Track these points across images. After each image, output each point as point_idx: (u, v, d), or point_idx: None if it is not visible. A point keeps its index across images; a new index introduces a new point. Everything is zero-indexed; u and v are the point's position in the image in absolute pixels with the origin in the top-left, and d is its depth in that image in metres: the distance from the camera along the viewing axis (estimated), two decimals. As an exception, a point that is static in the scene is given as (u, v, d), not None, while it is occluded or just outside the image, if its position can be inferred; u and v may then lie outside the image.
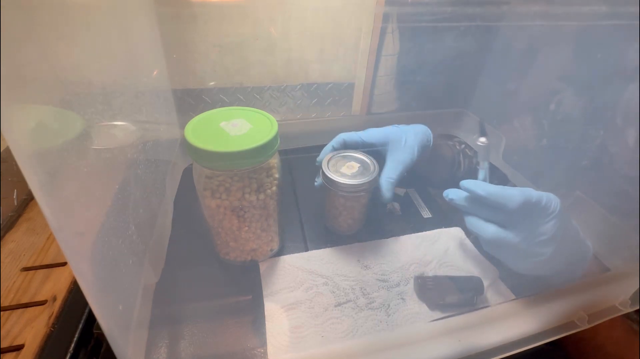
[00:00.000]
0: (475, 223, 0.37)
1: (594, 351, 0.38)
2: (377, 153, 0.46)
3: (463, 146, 0.55)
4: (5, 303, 0.37)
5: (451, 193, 0.39)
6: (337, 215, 0.46)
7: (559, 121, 0.50)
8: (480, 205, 0.36)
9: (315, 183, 0.46)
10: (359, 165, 0.44)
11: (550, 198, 0.34)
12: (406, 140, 0.46)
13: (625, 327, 0.39)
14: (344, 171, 0.43)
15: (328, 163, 0.43)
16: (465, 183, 0.37)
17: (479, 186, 0.36)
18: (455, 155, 0.54)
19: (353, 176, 0.42)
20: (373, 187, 0.43)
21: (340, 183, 0.41)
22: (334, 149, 0.47)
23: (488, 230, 0.35)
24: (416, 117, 0.61)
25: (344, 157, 0.45)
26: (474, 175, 0.50)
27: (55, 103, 0.25)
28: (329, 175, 0.41)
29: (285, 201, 0.49)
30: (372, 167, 0.43)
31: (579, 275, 0.38)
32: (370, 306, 0.38)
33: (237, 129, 0.35)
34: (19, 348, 0.33)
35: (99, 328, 0.24)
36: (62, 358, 0.33)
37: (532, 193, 0.34)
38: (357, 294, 0.39)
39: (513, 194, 0.33)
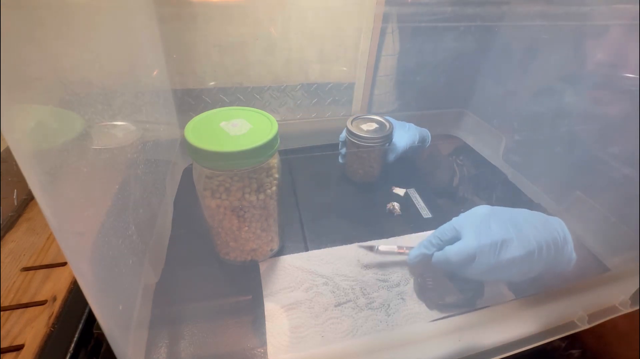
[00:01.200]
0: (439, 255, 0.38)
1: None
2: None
3: (461, 157, 0.60)
4: (5, 303, 0.37)
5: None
6: (354, 164, 0.55)
7: (558, 121, 0.50)
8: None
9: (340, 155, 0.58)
10: (376, 125, 0.53)
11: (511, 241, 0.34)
12: (409, 126, 0.57)
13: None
14: (364, 127, 0.53)
15: (352, 122, 0.53)
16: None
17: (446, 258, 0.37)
18: (453, 167, 0.58)
19: (369, 132, 0.52)
20: (385, 143, 0.53)
21: (359, 135, 0.51)
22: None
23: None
24: (416, 117, 0.61)
25: (366, 118, 0.55)
26: (468, 186, 0.55)
27: (55, 103, 0.25)
28: (351, 129, 0.52)
29: (285, 201, 0.49)
30: (387, 127, 0.53)
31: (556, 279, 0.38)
32: (370, 306, 0.38)
33: (237, 129, 0.35)
34: (19, 348, 0.33)
35: (99, 328, 0.24)
36: (62, 358, 0.33)
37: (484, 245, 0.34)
38: (357, 294, 0.39)
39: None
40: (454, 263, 0.36)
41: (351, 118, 0.54)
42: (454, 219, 0.38)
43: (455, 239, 0.37)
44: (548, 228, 0.35)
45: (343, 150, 0.57)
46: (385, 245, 0.44)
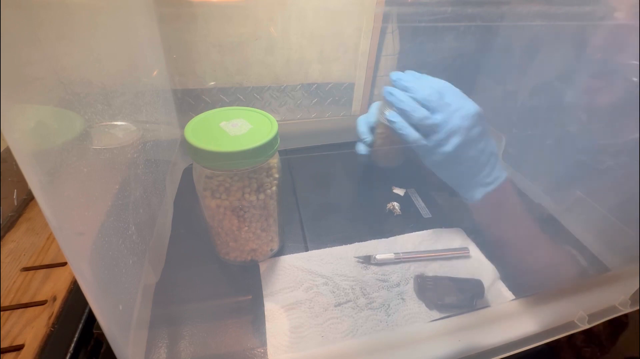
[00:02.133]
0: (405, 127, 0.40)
1: None
2: None
3: None
4: (5, 303, 0.37)
5: (390, 115, 0.42)
6: (377, 145, 0.49)
7: (559, 121, 0.50)
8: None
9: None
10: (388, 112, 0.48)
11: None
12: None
13: None
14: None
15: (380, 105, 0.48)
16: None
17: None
18: None
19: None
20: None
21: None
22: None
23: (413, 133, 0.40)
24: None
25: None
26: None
27: (55, 103, 0.25)
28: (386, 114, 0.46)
29: (285, 201, 0.49)
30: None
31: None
32: (370, 306, 0.38)
33: (237, 129, 0.35)
34: (19, 348, 0.33)
35: (99, 328, 0.24)
36: (62, 358, 0.33)
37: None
38: (357, 294, 0.39)
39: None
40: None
41: (380, 103, 0.49)
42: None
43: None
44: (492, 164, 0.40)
45: (368, 139, 0.50)
46: (381, 254, 0.43)
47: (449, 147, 0.38)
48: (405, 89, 0.41)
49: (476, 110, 0.39)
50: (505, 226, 0.43)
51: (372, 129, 0.50)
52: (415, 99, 0.40)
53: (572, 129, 0.48)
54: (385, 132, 0.48)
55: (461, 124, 0.38)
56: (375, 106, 0.50)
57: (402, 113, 0.40)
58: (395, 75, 0.42)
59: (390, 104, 0.45)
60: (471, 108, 0.39)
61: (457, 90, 0.41)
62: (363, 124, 0.49)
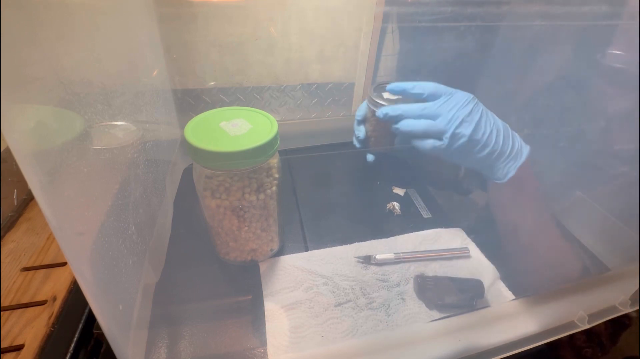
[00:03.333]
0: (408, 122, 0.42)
1: None
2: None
3: None
4: (5, 303, 0.37)
5: (384, 109, 0.44)
6: (378, 134, 0.52)
7: (559, 121, 0.50)
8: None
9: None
10: (398, 96, 0.49)
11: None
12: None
13: None
14: (385, 96, 0.49)
15: (374, 92, 0.50)
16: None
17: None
18: None
19: (389, 101, 0.48)
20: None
21: (377, 102, 0.48)
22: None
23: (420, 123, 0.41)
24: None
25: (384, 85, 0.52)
26: (474, 178, 0.51)
27: (55, 103, 0.25)
28: (371, 97, 0.49)
29: (285, 201, 0.49)
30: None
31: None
32: (370, 306, 0.38)
33: (237, 129, 0.35)
34: (19, 348, 0.33)
35: (99, 328, 0.24)
36: (62, 358, 0.33)
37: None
38: (357, 294, 0.39)
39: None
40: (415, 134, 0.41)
41: (371, 89, 0.51)
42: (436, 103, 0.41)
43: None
44: (511, 138, 0.40)
45: (361, 130, 0.53)
46: (381, 254, 0.43)
47: (463, 138, 0.39)
48: (399, 118, 0.42)
49: (469, 96, 0.40)
50: (526, 208, 0.42)
51: (363, 123, 0.52)
52: (414, 117, 0.42)
53: (572, 129, 0.48)
54: (375, 122, 0.51)
55: (463, 114, 0.39)
56: (364, 105, 0.52)
57: (409, 134, 0.42)
58: (382, 112, 0.44)
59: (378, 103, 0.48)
60: (463, 96, 0.40)
61: (443, 86, 0.42)
62: (355, 120, 0.53)
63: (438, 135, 0.40)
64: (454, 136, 0.39)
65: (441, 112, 0.40)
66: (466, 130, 0.39)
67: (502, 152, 0.39)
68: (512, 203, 0.43)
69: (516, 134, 0.41)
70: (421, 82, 0.43)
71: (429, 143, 0.41)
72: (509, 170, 0.40)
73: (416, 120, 0.41)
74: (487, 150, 0.39)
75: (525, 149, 0.40)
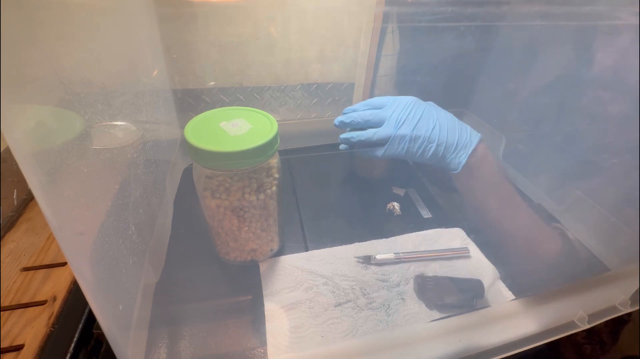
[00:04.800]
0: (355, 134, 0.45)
1: None
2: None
3: None
4: (5, 303, 0.37)
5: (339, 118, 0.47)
6: (363, 161, 0.55)
7: (558, 121, 0.50)
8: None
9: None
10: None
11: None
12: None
13: None
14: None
15: None
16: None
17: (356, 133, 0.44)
18: None
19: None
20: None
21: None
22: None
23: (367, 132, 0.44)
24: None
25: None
26: None
27: (55, 103, 0.25)
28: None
29: (285, 201, 0.49)
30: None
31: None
32: (370, 306, 0.38)
33: (237, 129, 0.35)
34: (19, 348, 0.33)
35: (99, 328, 0.24)
36: (62, 358, 0.33)
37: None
38: (357, 294, 0.39)
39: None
40: (367, 143, 0.43)
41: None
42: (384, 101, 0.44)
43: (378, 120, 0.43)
44: (458, 130, 0.42)
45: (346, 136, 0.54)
46: (381, 254, 0.43)
47: (405, 138, 0.41)
48: (352, 125, 0.45)
49: (410, 99, 0.43)
50: (488, 190, 0.44)
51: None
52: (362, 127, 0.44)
53: (572, 129, 0.48)
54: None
55: (403, 116, 0.42)
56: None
57: (360, 143, 0.44)
58: (337, 120, 0.47)
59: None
60: (404, 100, 0.43)
61: (387, 97, 0.45)
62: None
63: (385, 141, 0.42)
64: (397, 138, 0.41)
65: (385, 116, 0.42)
66: (406, 131, 0.41)
67: (449, 144, 0.41)
68: (475, 189, 0.44)
69: (466, 125, 0.43)
70: (369, 99, 0.46)
71: (379, 150, 0.43)
72: (460, 159, 0.42)
73: (363, 132, 0.43)
74: (433, 145, 0.41)
75: (476, 137, 0.42)
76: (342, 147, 0.53)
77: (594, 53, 0.43)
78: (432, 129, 0.41)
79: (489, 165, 0.43)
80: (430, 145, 0.41)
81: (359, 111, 0.45)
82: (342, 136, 0.46)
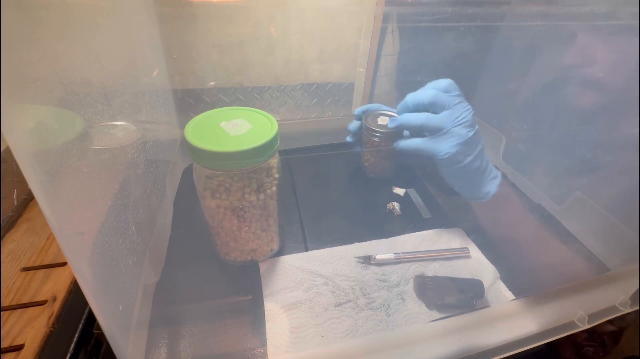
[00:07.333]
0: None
1: None
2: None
3: None
4: (5, 303, 0.37)
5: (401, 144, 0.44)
6: (371, 159, 0.55)
7: (558, 121, 0.50)
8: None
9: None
10: (389, 118, 0.50)
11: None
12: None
13: None
14: (379, 121, 0.51)
15: (367, 118, 0.51)
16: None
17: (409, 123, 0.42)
18: None
19: (381, 126, 0.50)
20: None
21: (371, 128, 0.49)
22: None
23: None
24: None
25: (379, 113, 0.53)
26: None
27: (55, 103, 0.25)
28: (369, 126, 0.50)
29: (285, 201, 0.49)
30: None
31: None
32: (370, 306, 0.38)
33: (237, 129, 0.35)
34: (19, 348, 0.33)
35: (99, 328, 0.24)
36: (62, 358, 0.33)
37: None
38: (357, 294, 0.39)
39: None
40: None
41: (365, 110, 0.53)
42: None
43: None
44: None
45: (350, 140, 0.55)
46: (381, 254, 0.43)
47: (466, 160, 0.39)
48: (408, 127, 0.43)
49: (469, 111, 0.41)
50: (511, 222, 0.43)
51: (355, 133, 0.54)
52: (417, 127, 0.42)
53: (572, 129, 0.48)
54: (375, 145, 0.52)
55: (466, 137, 0.39)
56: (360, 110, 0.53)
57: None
58: (393, 123, 0.44)
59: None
60: (464, 111, 0.40)
61: (442, 95, 0.42)
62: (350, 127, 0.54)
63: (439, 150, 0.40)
64: (473, 141, 0.39)
65: (444, 125, 0.39)
66: (466, 159, 0.39)
67: (485, 168, 0.41)
68: (501, 218, 0.44)
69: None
70: (419, 96, 0.43)
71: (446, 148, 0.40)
72: (491, 188, 0.41)
73: (420, 140, 0.41)
74: (476, 164, 0.40)
75: (499, 172, 0.42)
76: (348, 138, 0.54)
77: (594, 53, 0.43)
78: (480, 149, 0.40)
79: (513, 198, 0.43)
80: (474, 164, 0.40)
81: (413, 114, 0.42)
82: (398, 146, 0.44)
